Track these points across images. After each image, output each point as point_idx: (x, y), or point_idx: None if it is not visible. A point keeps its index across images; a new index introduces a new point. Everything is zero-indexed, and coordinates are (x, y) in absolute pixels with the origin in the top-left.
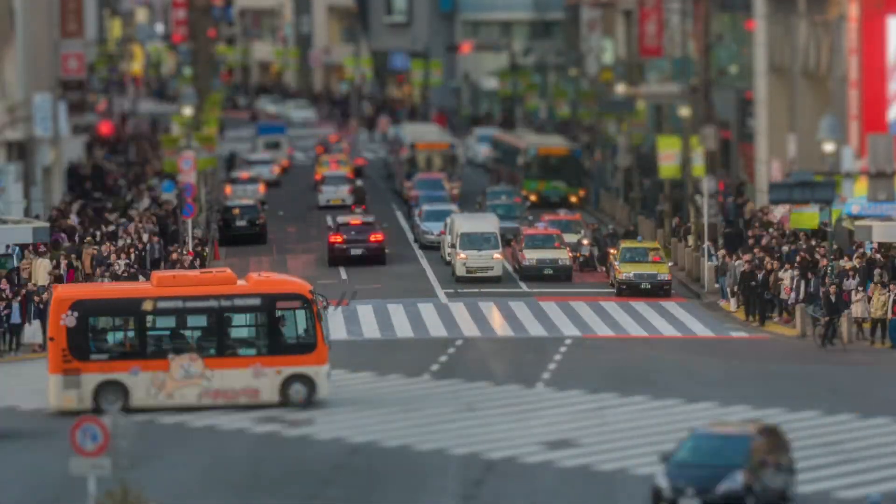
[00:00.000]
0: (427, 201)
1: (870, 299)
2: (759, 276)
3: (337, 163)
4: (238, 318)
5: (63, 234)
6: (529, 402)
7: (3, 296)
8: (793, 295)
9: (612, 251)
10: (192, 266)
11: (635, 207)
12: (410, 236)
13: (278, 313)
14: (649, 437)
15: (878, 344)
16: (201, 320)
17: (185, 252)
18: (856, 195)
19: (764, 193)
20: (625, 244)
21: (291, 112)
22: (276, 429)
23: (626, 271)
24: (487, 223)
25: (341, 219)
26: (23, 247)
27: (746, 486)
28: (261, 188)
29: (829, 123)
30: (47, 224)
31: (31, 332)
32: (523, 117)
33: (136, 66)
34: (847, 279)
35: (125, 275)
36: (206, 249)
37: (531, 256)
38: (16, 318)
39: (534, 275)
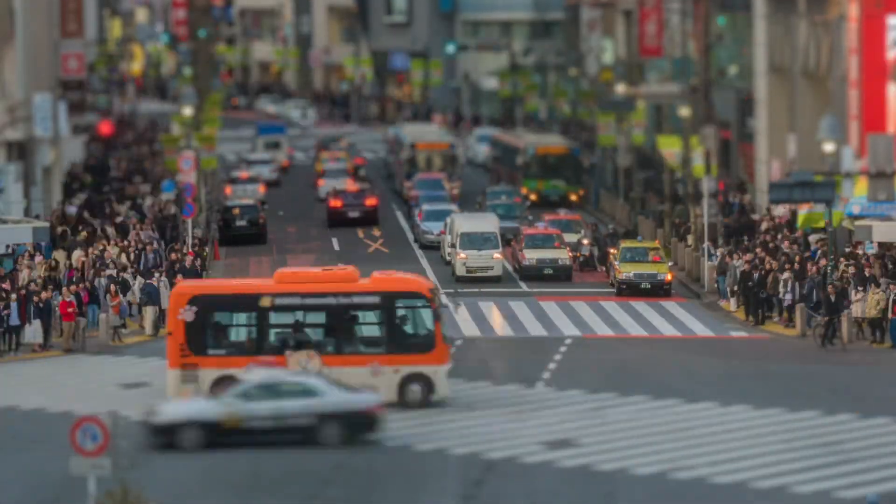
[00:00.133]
0: (427, 201)
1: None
2: (756, 275)
3: (336, 159)
4: (357, 316)
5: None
6: (529, 402)
7: (2, 296)
8: (788, 296)
9: (612, 251)
10: (192, 266)
11: (635, 207)
12: (410, 236)
13: (398, 311)
14: (649, 437)
15: (878, 344)
16: (320, 317)
17: (185, 252)
18: (856, 195)
19: (764, 193)
20: (625, 244)
21: (291, 112)
22: None
23: (626, 271)
24: (487, 223)
25: (339, 186)
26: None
27: None
28: (261, 188)
29: (829, 123)
30: (47, 224)
31: (32, 332)
32: (523, 117)
33: (136, 66)
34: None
35: (120, 277)
36: (207, 249)
37: (531, 256)
38: (14, 320)
39: (534, 274)
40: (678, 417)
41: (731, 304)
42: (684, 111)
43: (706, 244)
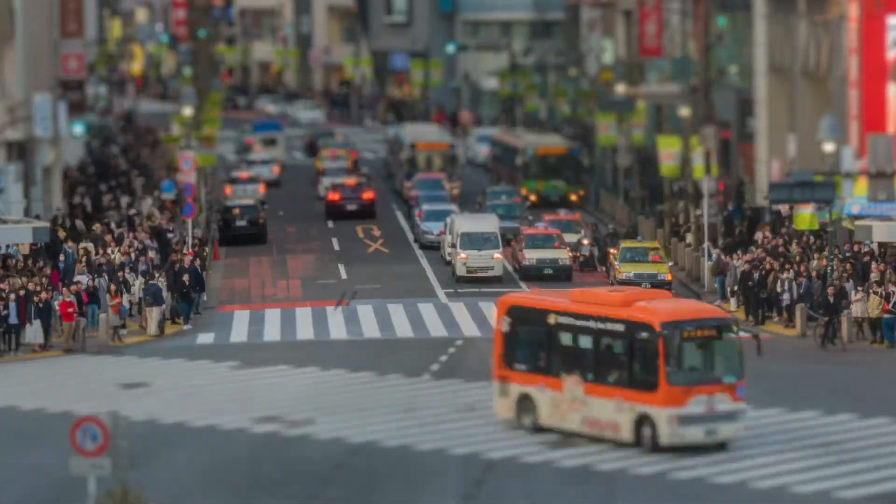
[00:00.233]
0: (427, 201)
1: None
2: (756, 275)
3: (335, 157)
4: (615, 345)
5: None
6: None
7: (2, 296)
8: (787, 296)
9: (612, 251)
10: (192, 266)
11: (635, 207)
12: (410, 236)
13: (636, 343)
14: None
15: (878, 344)
16: (588, 341)
17: (185, 252)
18: (856, 195)
19: (764, 193)
20: (625, 244)
21: (299, 113)
22: (276, 429)
23: (626, 271)
24: (488, 223)
25: (338, 180)
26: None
27: None
28: (261, 188)
29: (829, 123)
30: (47, 224)
31: (32, 332)
32: (523, 117)
33: (136, 66)
34: (846, 280)
35: (122, 277)
36: (207, 249)
37: (531, 256)
38: (13, 319)
39: (534, 275)
40: None
41: (732, 304)
42: (684, 111)
43: (706, 244)
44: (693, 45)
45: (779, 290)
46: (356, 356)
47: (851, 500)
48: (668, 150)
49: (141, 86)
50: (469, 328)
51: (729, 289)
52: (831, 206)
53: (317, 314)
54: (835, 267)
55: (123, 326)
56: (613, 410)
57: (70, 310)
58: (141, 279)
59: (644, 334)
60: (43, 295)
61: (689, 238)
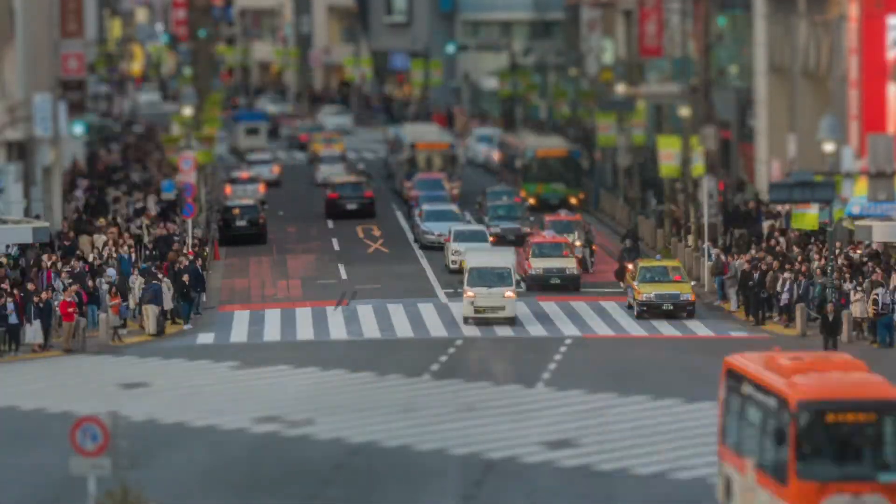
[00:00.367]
0: (427, 201)
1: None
2: (756, 275)
3: (329, 141)
4: (768, 424)
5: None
6: (529, 402)
7: (2, 295)
8: (786, 296)
9: (629, 266)
10: (192, 266)
11: (635, 207)
12: (411, 236)
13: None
14: (649, 437)
15: (878, 344)
16: (758, 417)
17: (185, 252)
18: (856, 195)
19: (764, 193)
20: (643, 263)
21: (326, 119)
22: (276, 429)
23: (645, 292)
24: (501, 257)
25: (338, 178)
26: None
27: None
28: (261, 188)
29: (829, 123)
30: (47, 224)
31: (32, 332)
32: (523, 118)
33: (136, 66)
34: (844, 282)
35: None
36: (207, 249)
37: (538, 265)
38: (13, 319)
39: (540, 284)
40: (678, 417)
41: (732, 304)
42: (684, 111)
43: (706, 244)
44: (693, 45)
45: (779, 289)
46: (356, 356)
47: None
48: (668, 150)
49: (140, 85)
50: (469, 328)
51: (731, 289)
52: (831, 206)
53: (317, 314)
54: (833, 267)
55: (123, 326)
56: None
57: (70, 310)
58: (141, 279)
59: (783, 413)
60: (43, 295)
61: (690, 238)
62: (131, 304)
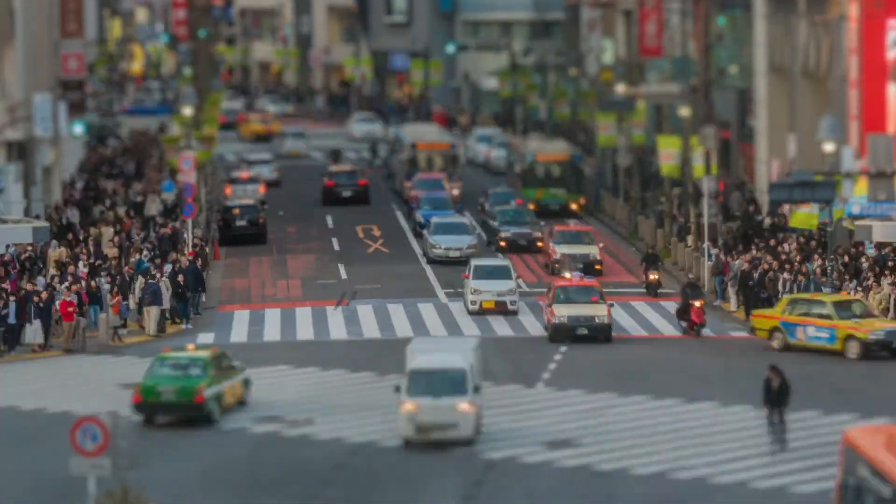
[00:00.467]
0: (428, 203)
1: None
2: (756, 275)
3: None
4: None
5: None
6: (529, 402)
7: (2, 295)
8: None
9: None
10: (191, 265)
11: (635, 207)
12: (410, 236)
13: None
14: (649, 437)
15: None
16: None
17: (185, 252)
18: (856, 195)
19: (764, 193)
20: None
21: (354, 127)
22: (276, 429)
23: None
24: (456, 354)
25: (334, 167)
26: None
27: None
28: (261, 188)
29: (829, 123)
30: (47, 224)
31: (32, 332)
32: (523, 118)
33: (136, 66)
34: (845, 282)
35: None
36: (207, 249)
37: (562, 313)
38: (12, 319)
39: (565, 335)
40: (678, 417)
41: (732, 304)
42: (684, 111)
43: (706, 244)
44: (693, 45)
45: (779, 289)
46: (356, 356)
47: None
48: (668, 150)
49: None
50: (469, 328)
51: (731, 290)
52: (832, 206)
53: (317, 314)
54: (833, 267)
55: (123, 326)
56: None
57: (70, 310)
58: (141, 279)
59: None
60: (43, 295)
61: (690, 238)
62: (131, 304)
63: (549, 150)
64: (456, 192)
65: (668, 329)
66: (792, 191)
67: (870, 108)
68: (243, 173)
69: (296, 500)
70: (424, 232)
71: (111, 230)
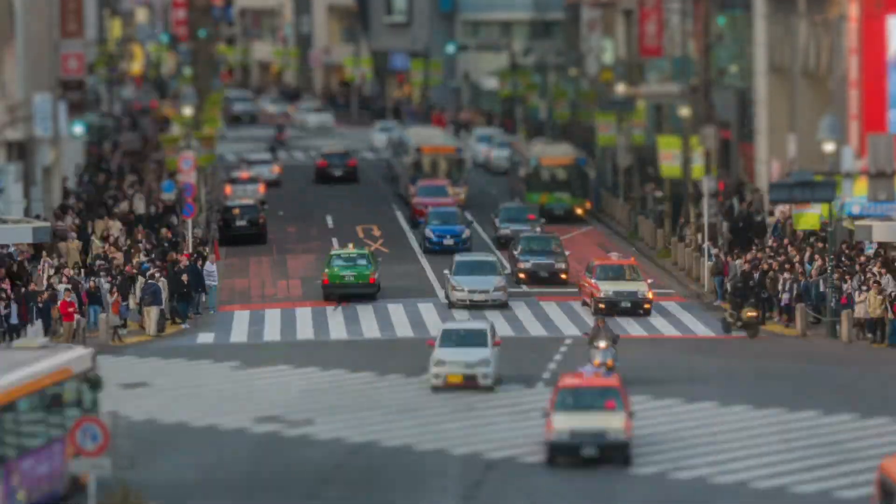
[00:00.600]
0: (437, 218)
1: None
2: (756, 275)
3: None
4: None
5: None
6: (529, 402)
7: (3, 296)
8: (785, 295)
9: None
10: (192, 265)
11: (635, 207)
12: (410, 236)
13: None
14: (649, 437)
15: (878, 344)
16: None
17: (184, 252)
18: (856, 195)
19: (764, 193)
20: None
21: (375, 136)
22: (276, 429)
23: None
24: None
25: (327, 149)
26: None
27: None
28: (261, 188)
29: (829, 123)
30: (47, 224)
31: (33, 332)
32: (523, 118)
33: (136, 66)
34: (845, 282)
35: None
36: (207, 249)
37: (562, 426)
38: (14, 320)
39: (566, 455)
40: (678, 417)
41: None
42: (684, 111)
43: (706, 244)
44: (693, 45)
45: (780, 289)
46: (356, 356)
47: (851, 500)
48: (668, 151)
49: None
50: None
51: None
52: (831, 206)
53: (317, 314)
54: (834, 267)
55: (123, 326)
56: None
57: (70, 310)
58: (141, 279)
59: None
60: (43, 295)
61: (689, 235)
62: (131, 304)
63: (553, 154)
64: (462, 196)
65: (669, 329)
66: (792, 191)
67: (870, 108)
68: (243, 173)
69: (296, 500)
70: (446, 273)
71: (118, 224)
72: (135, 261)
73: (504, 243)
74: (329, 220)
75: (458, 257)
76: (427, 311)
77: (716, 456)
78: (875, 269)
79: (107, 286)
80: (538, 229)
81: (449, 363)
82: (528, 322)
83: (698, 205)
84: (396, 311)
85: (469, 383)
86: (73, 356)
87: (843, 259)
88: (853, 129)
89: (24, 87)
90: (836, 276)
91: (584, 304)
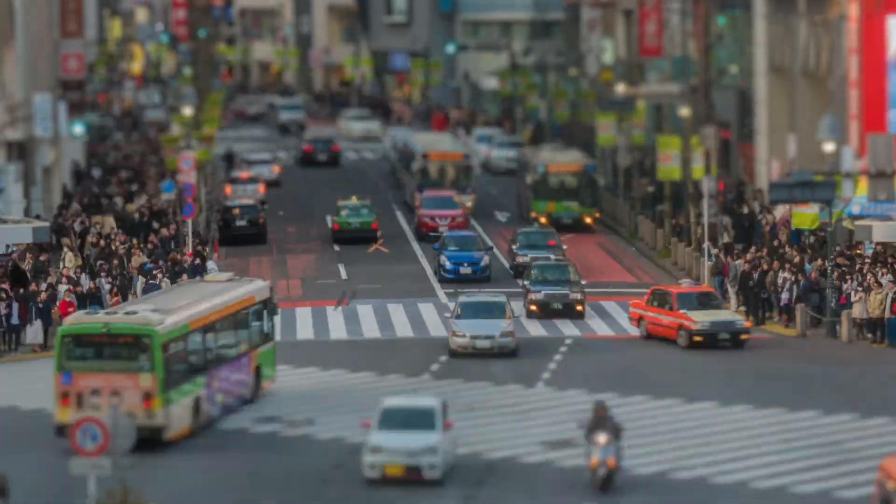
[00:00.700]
0: (454, 243)
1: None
2: (756, 275)
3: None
4: None
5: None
6: (529, 402)
7: (3, 296)
8: (785, 295)
9: None
10: (192, 266)
11: (635, 207)
12: (411, 237)
13: None
14: (649, 437)
15: (878, 344)
16: None
17: (184, 252)
18: (856, 195)
19: (764, 193)
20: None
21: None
22: (276, 429)
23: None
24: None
25: (311, 135)
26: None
27: None
28: (261, 188)
29: (829, 123)
30: (47, 224)
31: (33, 332)
32: (523, 119)
33: (136, 66)
34: (845, 282)
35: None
36: (207, 249)
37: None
38: (15, 320)
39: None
40: (678, 417)
41: (732, 304)
42: (684, 111)
43: (706, 244)
44: (693, 45)
45: (779, 289)
46: (356, 356)
47: (851, 500)
48: (668, 151)
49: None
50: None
51: (730, 288)
52: (832, 206)
53: (317, 314)
54: (834, 267)
55: None
56: None
57: (70, 310)
58: (141, 279)
59: None
60: (43, 295)
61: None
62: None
63: (561, 161)
64: (469, 204)
65: None
66: (792, 191)
67: (870, 108)
68: (243, 173)
69: (296, 500)
70: (447, 316)
71: (111, 219)
72: (134, 259)
73: (522, 272)
74: (329, 220)
75: (462, 299)
76: (427, 311)
77: (716, 456)
78: (865, 270)
79: (107, 286)
80: (552, 257)
81: (387, 451)
82: (528, 322)
83: (698, 205)
84: (396, 311)
85: (411, 476)
86: (256, 287)
87: (842, 259)
88: (853, 129)
89: (24, 87)
90: (835, 275)
91: (647, 337)
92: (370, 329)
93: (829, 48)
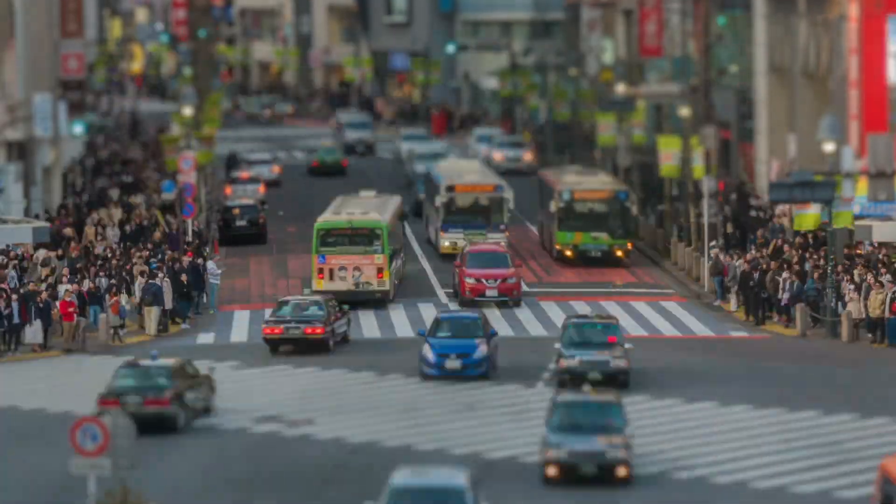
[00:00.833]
0: (449, 326)
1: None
2: (756, 275)
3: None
4: None
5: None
6: (529, 402)
7: (4, 295)
8: (785, 295)
9: None
10: (191, 265)
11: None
12: (411, 236)
13: None
14: (649, 437)
15: (878, 344)
16: None
17: (184, 252)
18: (856, 195)
19: (764, 193)
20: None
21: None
22: (276, 429)
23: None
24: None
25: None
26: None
27: None
28: (261, 188)
29: (829, 123)
30: (47, 224)
31: (32, 332)
32: (523, 119)
33: (136, 66)
34: (843, 282)
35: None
36: (207, 249)
37: None
38: (17, 319)
39: None
40: (678, 417)
41: (731, 304)
42: (684, 111)
43: (712, 243)
44: (693, 45)
45: (779, 289)
46: (356, 356)
47: (851, 500)
48: (668, 151)
49: (141, 85)
50: None
51: (730, 289)
52: (831, 206)
53: None
54: (834, 267)
55: (123, 326)
56: None
57: (70, 310)
58: (141, 279)
59: None
60: (43, 295)
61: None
62: (122, 301)
63: (589, 186)
64: (502, 243)
65: (669, 329)
66: (792, 191)
67: (870, 108)
68: (243, 173)
69: (296, 500)
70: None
71: (119, 211)
72: (135, 259)
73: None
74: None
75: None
76: (427, 311)
77: (716, 456)
78: (857, 272)
79: (106, 286)
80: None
81: None
82: (528, 322)
83: (698, 205)
84: (396, 311)
85: None
86: (397, 200)
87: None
88: (853, 129)
89: (24, 87)
90: (835, 275)
91: None
92: (370, 329)
93: (829, 48)
